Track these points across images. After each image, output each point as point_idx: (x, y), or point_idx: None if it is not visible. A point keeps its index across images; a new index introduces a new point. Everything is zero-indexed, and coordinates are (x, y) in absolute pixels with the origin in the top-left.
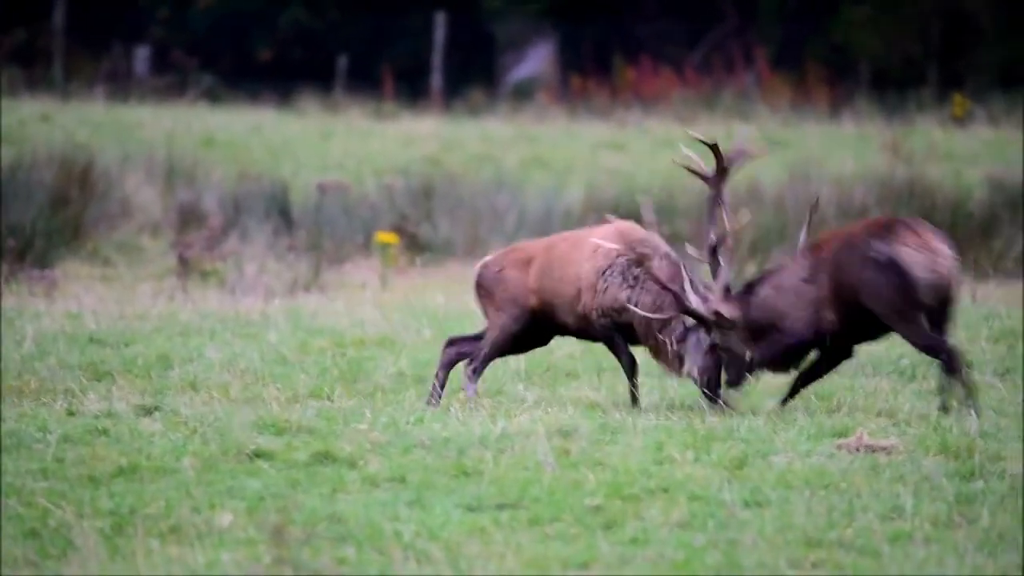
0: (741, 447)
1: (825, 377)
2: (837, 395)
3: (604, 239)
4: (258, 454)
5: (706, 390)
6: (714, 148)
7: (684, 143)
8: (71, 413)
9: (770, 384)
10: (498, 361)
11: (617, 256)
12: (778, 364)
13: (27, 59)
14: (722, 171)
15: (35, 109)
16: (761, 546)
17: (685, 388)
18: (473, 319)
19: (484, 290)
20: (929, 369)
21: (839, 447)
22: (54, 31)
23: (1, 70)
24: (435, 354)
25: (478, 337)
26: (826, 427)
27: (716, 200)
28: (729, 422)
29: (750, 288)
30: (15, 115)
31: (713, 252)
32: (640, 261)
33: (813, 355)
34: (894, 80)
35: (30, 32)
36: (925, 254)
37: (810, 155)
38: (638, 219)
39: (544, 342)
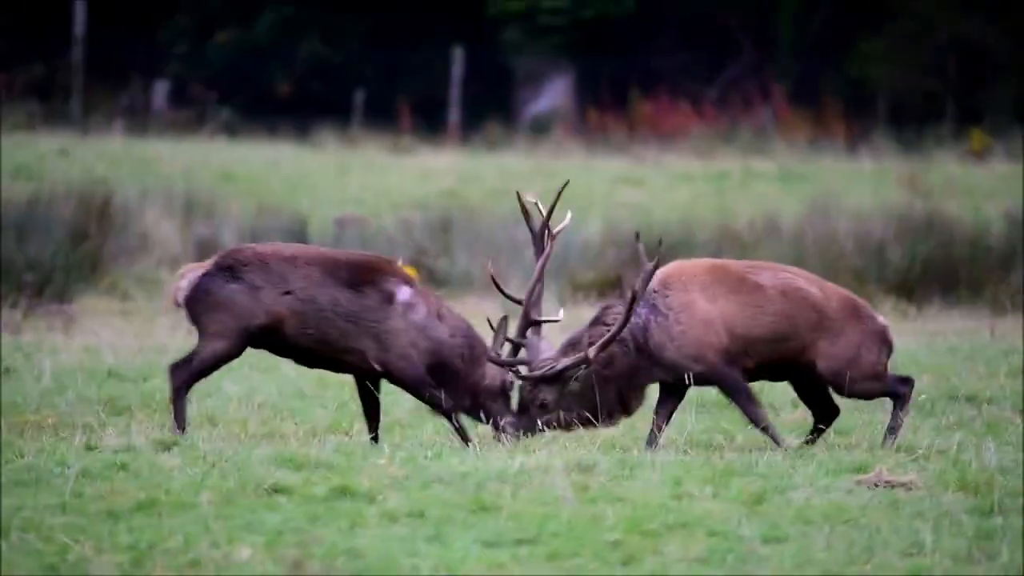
0: (760, 483)
1: (843, 414)
2: (856, 431)
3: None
4: (277, 489)
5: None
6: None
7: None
8: (90, 448)
9: (787, 420)
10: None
11: None
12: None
13: (45, 93)
14: (546, 232)
15: (53, 144)
16: None
17: (703, 423)
18: None
19: None
20: (948, 405)
21: (858, 483)
22: (73, 65)
23: (19, 104)
24: None
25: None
26: (845, 463)
27: (540, 257)
28: (748, 458)
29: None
30: (33, 150)
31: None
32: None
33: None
34: (912, 115)
35: (49, 66)
36: None
37: (828, 190)
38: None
39: None
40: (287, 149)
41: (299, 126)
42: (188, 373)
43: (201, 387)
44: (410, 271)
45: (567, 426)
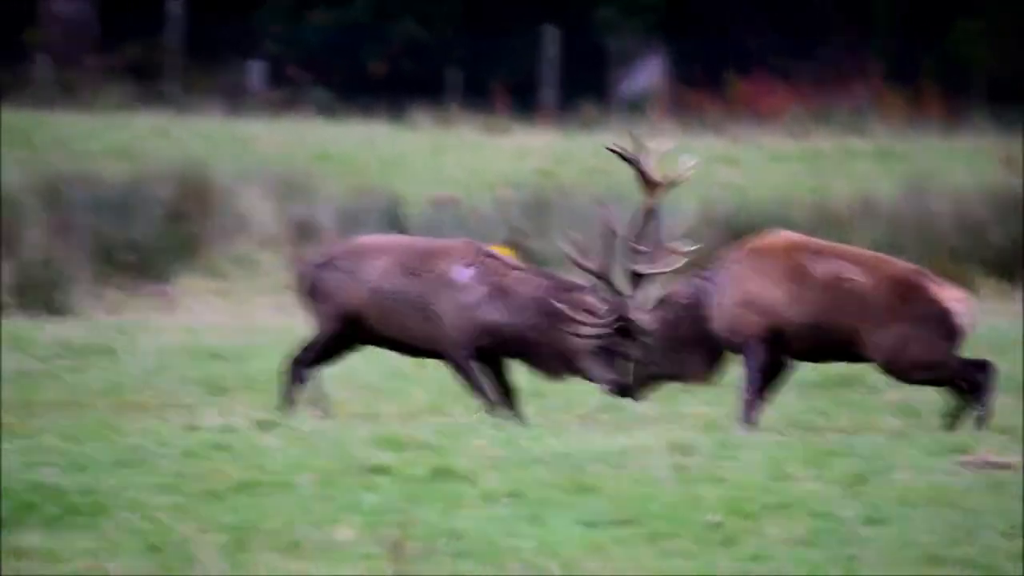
0: (860, 464)
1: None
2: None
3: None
4: (377, 469)
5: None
6: (631, 162)
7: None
8: (191, 428)
9: (889, 401)
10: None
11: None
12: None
13: (143, 74)
14: (651, 183)
15: (151, 124)
16: (881, 564)
17: (803, 404)
18: None
19: None
20: None
21: (960, 464)
22: (170, 46)
23: (117, 85)
24: None
25: None
26: (947, 444)
27: (647, 211)
28: (848, 439)
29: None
30: (131, 130)
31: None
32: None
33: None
34: (1011, 93)
35: (146, 46)
36: None
37: (925, 169)
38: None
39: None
40: (382, 129)
41: (394, 106)
42: (300, 358)
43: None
44: (504, 251)
45: (655, 380)
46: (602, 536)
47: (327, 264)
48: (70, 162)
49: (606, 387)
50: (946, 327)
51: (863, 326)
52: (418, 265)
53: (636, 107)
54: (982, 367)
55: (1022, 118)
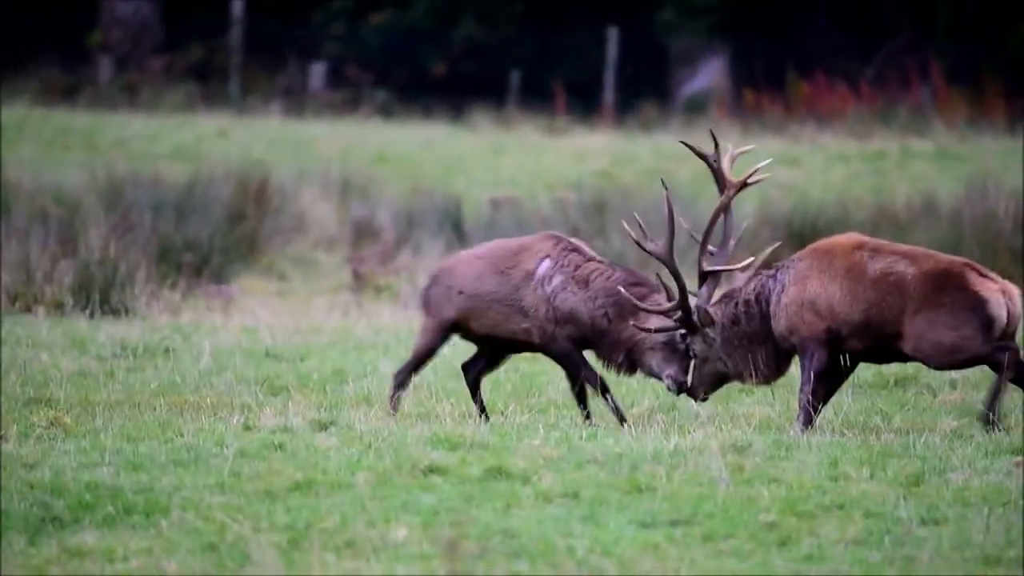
0: (917, 464)
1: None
2: (1015, 411)
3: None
4: (432, 469)
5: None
6: (706, 160)
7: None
8: (248, 428)
9: (946, 401)
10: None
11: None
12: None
13: (204, 75)
14: (725, 182)
15: (212, 125)
16: (938, 564)
17: (860, 404)
18: None
19: None
20: None
21: (1017, 464)
22: (231, 47)
23: (179, 86)
24: None
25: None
26: (1004, 444)
27: (721, 209)
28: (905, 439)
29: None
30: (192, 131)
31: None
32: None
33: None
34: None
35: (207, 48)
36: None
37: (986, 169)
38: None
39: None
40: (442, 130)
41: (454, 107)
42: (404, 367)
43: (358, 368)
44: None
45: (720, 380)
46: (657, 536)
47: (433, 281)
48: (132, 163)
49: (668, 383)
50: (979, 316)
51: (902, 317)
52: (507, 265)
53: (697, 108)
54: (1004, 349)
55: None
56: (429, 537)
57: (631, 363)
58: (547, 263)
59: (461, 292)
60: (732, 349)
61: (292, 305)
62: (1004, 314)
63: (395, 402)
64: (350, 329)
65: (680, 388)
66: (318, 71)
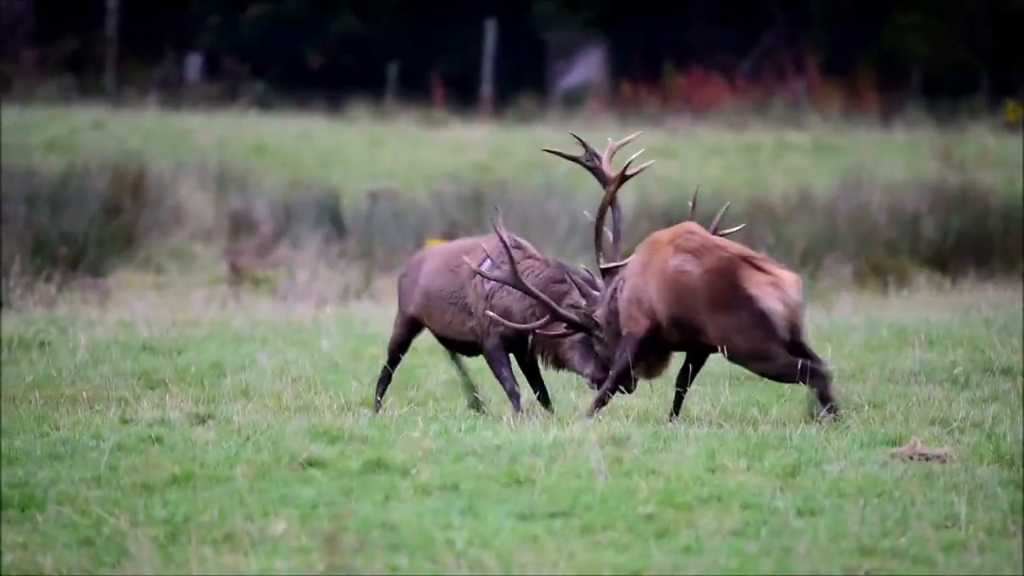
0: (794, 455)
1: (878, 386)
2: (890, 403)
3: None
4: (311, 462)
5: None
6: (578, 161)
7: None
8: (125, 421)
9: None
10: (552, 371)
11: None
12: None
13: (79, 67)
14: (605, 178)
15: (87, 117)
16: (814, 555)
17: (737, 396)
18: None
19: None
20: (983, 377)
21: (893, 455)
22: (106, 39)
23: (54, 78)
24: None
25: None
26: (879, 435)
27: (606, 204)
28: (782, 431)
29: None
30: (67, 123)
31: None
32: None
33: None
34: (946, 86)
35: (82, 40)
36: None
37: (861, 162)
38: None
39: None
40: (320, 122)
41: (332, 99)
42: (391, 360)
43: (236, 360)
44: (435, 244)
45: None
46: (536, 528)
47: (404, 271)
48: (6, 155)
49: (587, 381)
50: (751, 311)
51: (700, 318)
52: (456, 263)
53: (574, 101)
54: (812, 372)
55: (956, 111)
56: (308, 530)
57: (557, 360)
58: (488, 262)
59: (420, 287)
60: (615, 347)
61: (169, 298)
62: (778, 305)
63: (377, 403)
64: (228, 322)
65: (596, 384)
66: (194, 63)
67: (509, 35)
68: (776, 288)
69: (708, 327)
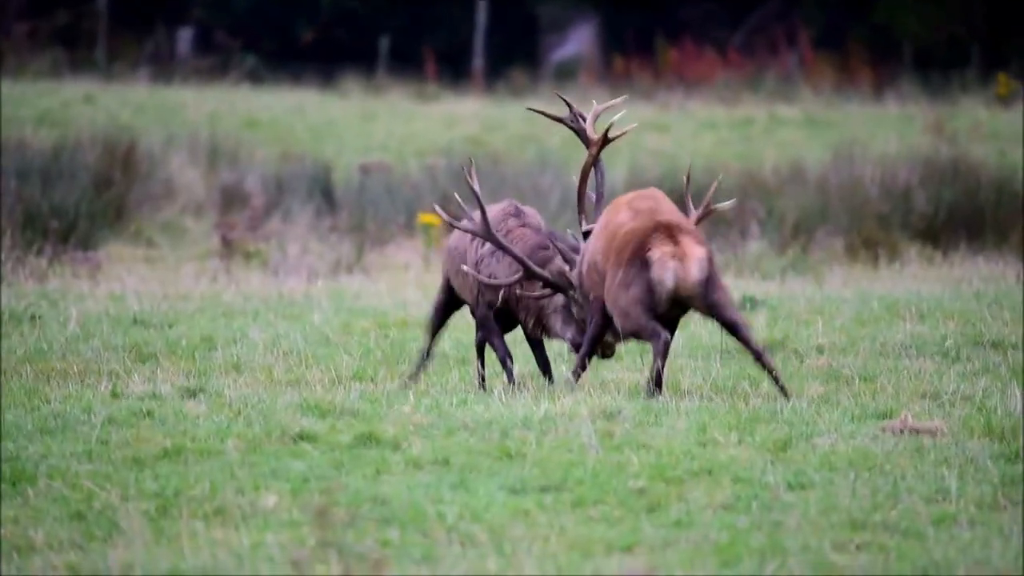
0: (785, 429)
1: (869, 360)
2: (881, 377)
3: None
4: (302, 436)
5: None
6: (563, 121)
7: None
8: (115, 395)
9: (812, 367)
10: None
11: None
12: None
13: (71, 41)
14: (588, 140)
15: (78, 91)
16: (805, 528)
17: (728, 370)
18: None
19: None
20: (974, 351)
21: (883, 429)
22: (98, 12)
23: (45, 52)
24: None
25: None
26: (870, 409)
27: (589, 166)
28: (773, 404)
29: None
30: (58, 97)
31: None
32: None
33: None
34: (938, 60)
35: (74, 14)
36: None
37: (853, 136)
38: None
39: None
40: (312, 96)
41: (324, 73)
42: (431, 328)
43: (227, 334)
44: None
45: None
46: (527, 502)
47: (449, 236)
48: None
49: (568, 345)
50: (643, 278)
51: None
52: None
53: (566, 74)
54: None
55: (948, 85)
56: (299, 504)
57: (541, 326)
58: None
59: (447, 248)
60: (589, 309)
61: (160, 272)
62: (669, 278)
63: (417, 372)
64: (219, 296)
65: (578, 349)
66: (186, 36)
67: (501, 9)
68: (675, 260)
69: (607, 278)
